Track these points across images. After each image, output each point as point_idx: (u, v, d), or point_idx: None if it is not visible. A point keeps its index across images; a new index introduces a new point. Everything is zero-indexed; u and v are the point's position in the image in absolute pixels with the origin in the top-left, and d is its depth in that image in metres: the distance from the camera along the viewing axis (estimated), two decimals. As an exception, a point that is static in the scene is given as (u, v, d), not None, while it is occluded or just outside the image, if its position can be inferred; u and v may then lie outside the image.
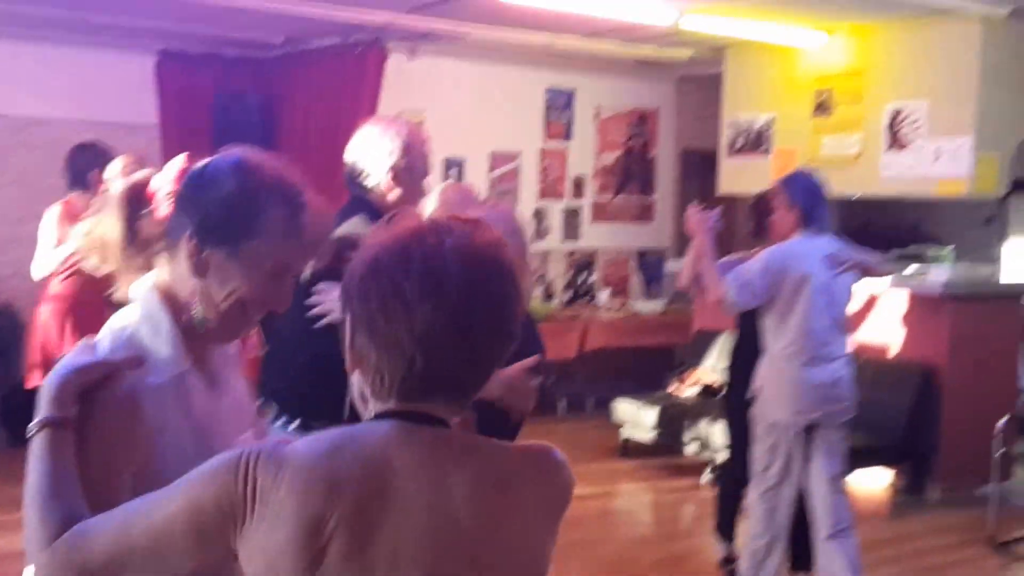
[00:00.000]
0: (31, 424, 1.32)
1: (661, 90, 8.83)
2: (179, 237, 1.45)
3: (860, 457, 5.89)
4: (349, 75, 7.05)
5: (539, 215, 8.29)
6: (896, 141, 6.52)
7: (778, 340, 4.07)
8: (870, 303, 6.22)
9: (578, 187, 8.54)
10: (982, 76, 6.15)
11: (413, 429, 1.27)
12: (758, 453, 4.19)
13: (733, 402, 4.58)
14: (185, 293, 1.46)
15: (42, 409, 1.32)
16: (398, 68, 7.24)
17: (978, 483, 5.65)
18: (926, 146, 6.37)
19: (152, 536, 1.24)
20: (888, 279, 6.12)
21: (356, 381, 1.33)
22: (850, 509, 4.22)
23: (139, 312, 1.46)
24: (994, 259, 7.35)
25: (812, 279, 4.00)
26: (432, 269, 1.23)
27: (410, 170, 2.82)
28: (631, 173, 8.81)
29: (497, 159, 8.08)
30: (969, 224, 7.89)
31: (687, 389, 6.68)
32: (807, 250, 4.06)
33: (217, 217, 1.43)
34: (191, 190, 1.45)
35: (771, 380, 4.10)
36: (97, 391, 1.35)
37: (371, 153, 2.82)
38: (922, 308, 6.08)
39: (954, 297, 5.98)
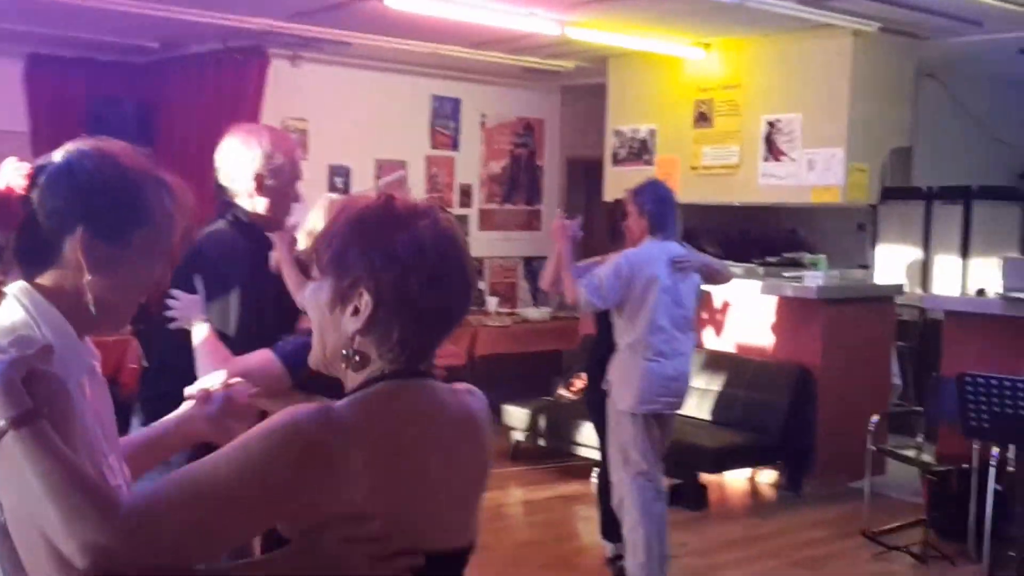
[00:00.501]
0: None
1: (547, 99, 8.95)
2: (60, 236, 1.41)
3: (741, 455, 6.11)
4: (230, 82, 6.94)
5: (427, 223, 8.27)
6: (773, 151, 6.76)
7: (627, 336, 4.37)
8: (725, 306, 6.53)
9: (465, 195, 8.58)
10: (853, 89, 6.43)
11: (430, 383, 1.49)
12: (613, 444, 4.43)
13: (592, 399, 4.76)
14: (69, 288, 1.43)
15: (4, 409, 1.26)
16: (281, 75, 7.17)
17: (852, 478, 5.89)
18: (801, 156, 6.62)
19: (220, 504, 1.30)
20: (759, 284, 6.36)
21: (325, 348, 1.48)
22: None
23: (23, 313, 1.41)
24: (866, 264, 7.67)
25: (659, 281, 4.33)
26: (449, 252, 1.46)
27: (275, 177, 2.79)
28: (518, 182, 8.90)
29: (383, 167, 8.06)
30: (843, 231, 8.21)
31: (574, 393, 6.78)
32: (656, 254, 4.37)
33: (104, 210, 1.42)
34: (64, 188, 1.41)
35: (621, 372, 4.40)
36: (32, 384, 1.30)
37: (234, 161, 2.80)
38: (798, 311, 6.32)
39: (828, 300, 6.23)
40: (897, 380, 6.86)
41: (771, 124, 6.76)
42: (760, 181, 6.81)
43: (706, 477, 6.03)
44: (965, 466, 5.06)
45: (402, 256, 1.42)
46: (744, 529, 5.46)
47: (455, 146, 8.52)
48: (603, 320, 4.60)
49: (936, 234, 7.47)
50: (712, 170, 7.05)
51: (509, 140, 8.83)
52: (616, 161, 7.75)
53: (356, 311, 1.44)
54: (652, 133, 7.50)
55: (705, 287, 4.75)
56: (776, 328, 6.41)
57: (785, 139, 6.70)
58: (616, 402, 4.41)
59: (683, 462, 5.69)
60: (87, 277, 1.41)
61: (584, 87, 8.49)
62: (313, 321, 1.51)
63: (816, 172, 6.53)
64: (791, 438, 6.07)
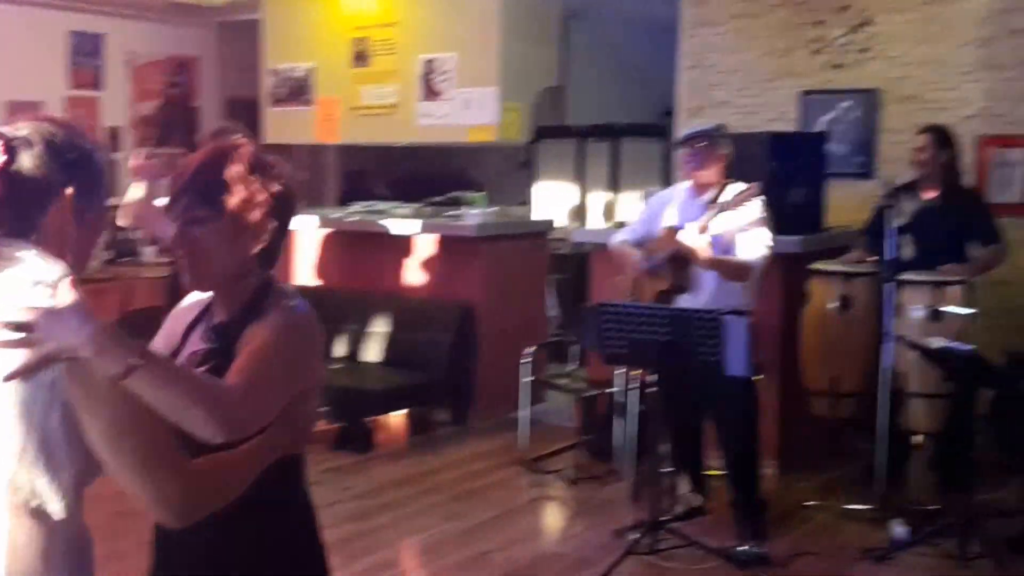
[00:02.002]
0: (121, 369, 1.42)
1: (201, 36, 8.45)
2: (48, 200, 1.53)
3: (407, 395, 6.13)
4: None
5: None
6: (430, 91, 6.76)
7: None
8: (388, 247, 6.50)
9: (114, 139, 7.96)
10: (503, 29, 6.53)
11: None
12: None
13: None
14: (53, 244, 1.53)
15: (126, 352, 1.43)
16: None
17: (514, 409, 6.09)
18: (457, 96, 6.67)
19: (280, 384, 1.72)
20: (420, 223, 6.38)
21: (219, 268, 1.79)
22: None
23: (51, 262, 1.49)
24: (527, 201, 7.92)
25: None
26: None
27: None
28: (173, 123, 8.37)
29: (15, 109, 7.29)
30: (507, 170, 8.43)
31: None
32: None
33: (84, 174, 1.58)
34: (52, 159, 1.54)
35: None
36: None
37: None
38: (459, 249, 6.40)
39: (486, 237, 6.35)
40: (554, 312, 7.16)
41: (428, 63, 6.75)
42: (419, 121, 6.81)
43: (373, 420, 6.02)
44: (611, 390, 5.35)
45: (292, 189, 1.83)
46: (409, 467, 5.49)
47: (98, 86, 7.86)
48: None
49: (589, 170, 7.83)
50: (373, 110, 6.96)
51: (161, 79, 8.26)
52: (275, 101, 7.47)
53: (257, 234, 1.77)
54: (311, 72, 7.27)
55: None
56: (438, 267, 6.47)
57: (442, 78, 6.73)
58: None
59: (349, 405, 5.64)
60: (73, 234, 1.56)
61: (241, 23, 8.09)
62: (196, 252, 1.76)
63: (472, 111, 6.62)
64: (455, 374, 6.17)
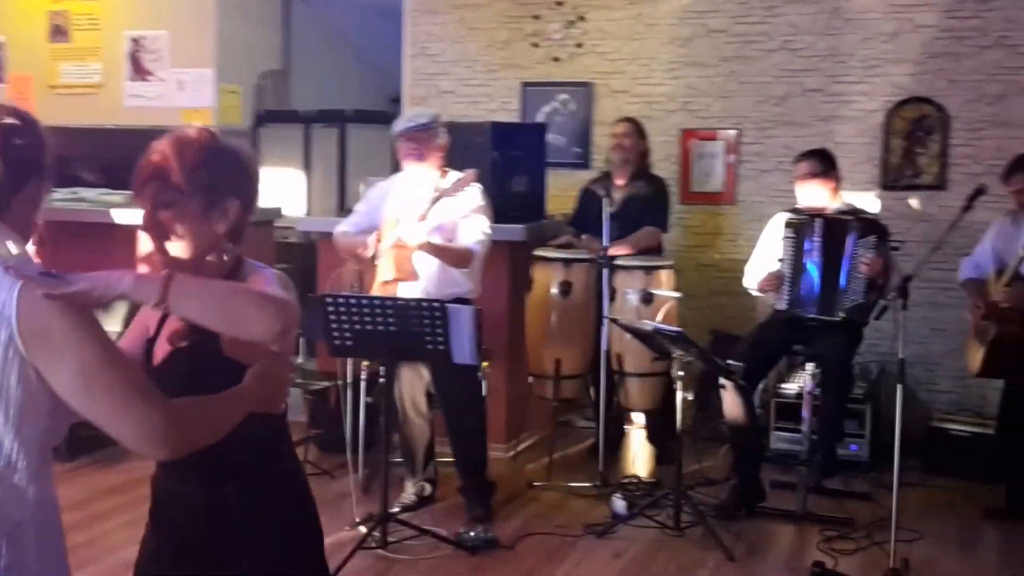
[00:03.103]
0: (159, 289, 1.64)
1: None
2: (26, 183, 1.65)
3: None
4: None
5: None
6: (139, 70, 6.37)
7: None
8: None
9: None
10: (219, 8, 6.25)
11: None
12: None
13: None
14: (22, 224, 1.68)
15: (154, 281, 1.64)
16: None
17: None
18: (170, 76, 6.32)
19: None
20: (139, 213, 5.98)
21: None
22: None
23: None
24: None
25: None
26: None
27: None
28: None
29: None
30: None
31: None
32: None
33: (49, 162, 1.69)
34: (30, 147, 1.66)
35: None
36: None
37: None
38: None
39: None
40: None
41: (135, 41, 6.34)
42: (127, 102, 6.41)
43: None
44: (341, 382, 5.25)
45: (254, 171, 1.98)
46: (121, 474, 5.15)
47: None
48: None
49: (316, 157, 7.66)
50: (74, 89, 6.47)
51: None
52: (-39, 78, 6.78)
53: (224, 216, 1.88)
54: (1, 47, 6.66)
55: None
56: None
57: (152, 57, 6.35)
58: None
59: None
60: (39, 215, 1.71)
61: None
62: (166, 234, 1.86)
63: (186, 93, 6.30)
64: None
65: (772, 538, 4.39)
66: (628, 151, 5.38)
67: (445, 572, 4.03)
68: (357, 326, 4.14)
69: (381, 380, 4.47)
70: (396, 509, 4.29)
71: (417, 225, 4.18)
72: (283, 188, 7.57)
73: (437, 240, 4.24)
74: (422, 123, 4.38)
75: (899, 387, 3.83)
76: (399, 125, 4.43)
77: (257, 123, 7.03)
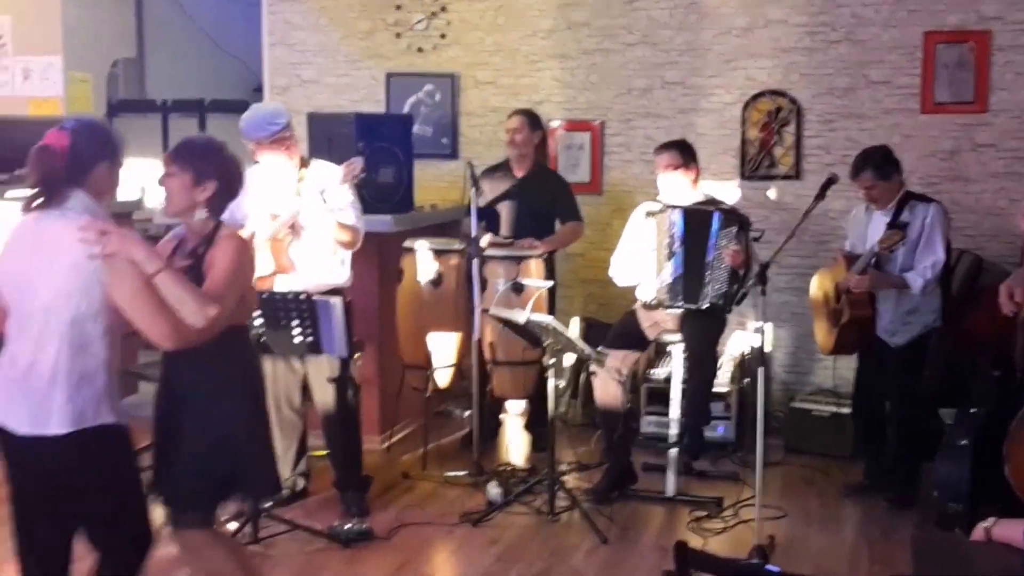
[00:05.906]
0: (154, 269, 2.57)
1: None
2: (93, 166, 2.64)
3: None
4: None
5: None
6: (-18, 57, 6.04)
7: None
8: None
9: None
10: (66, -6, 5.98)
11: None
12: None
13: None
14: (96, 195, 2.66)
15: (157, 261, 2.59)
16: None
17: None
18: (14, 64, 6.01)
19: (236, 284, 2.87)
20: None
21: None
22: None
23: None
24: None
25: None
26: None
27: None
28: None
29: None
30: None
31: None
32: None
33: (118, 148, 2.71)
34: (99, 137, 2.70)
35: None
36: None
37: None
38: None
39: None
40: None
41: (-23, 26, 6.01)
42: (-31, 91, 6.06)
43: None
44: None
45: (230, 161, 2.93)
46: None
47: None
48: None
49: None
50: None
51: None
52: None
53: (203, 185, 2.84)
54: None
55: None
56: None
57: (-5, 44, 6.02)
58: None
59: None
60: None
61: None
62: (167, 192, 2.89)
63: (32, 82, 6.01)
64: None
65: (644, 520, 4.49)
66: (521, 145, 5.44)
67: (319, 566, 3.97)
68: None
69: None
70: (267, 504, 4.20)
71: (270, 221, 4.25)
72: (141, 180, 7.30)
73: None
74: (282, 124, 4.32)
75: (760, 370, 3.97)
76: (255, 132, 4.33)
77: (111, 112, 6.75)
